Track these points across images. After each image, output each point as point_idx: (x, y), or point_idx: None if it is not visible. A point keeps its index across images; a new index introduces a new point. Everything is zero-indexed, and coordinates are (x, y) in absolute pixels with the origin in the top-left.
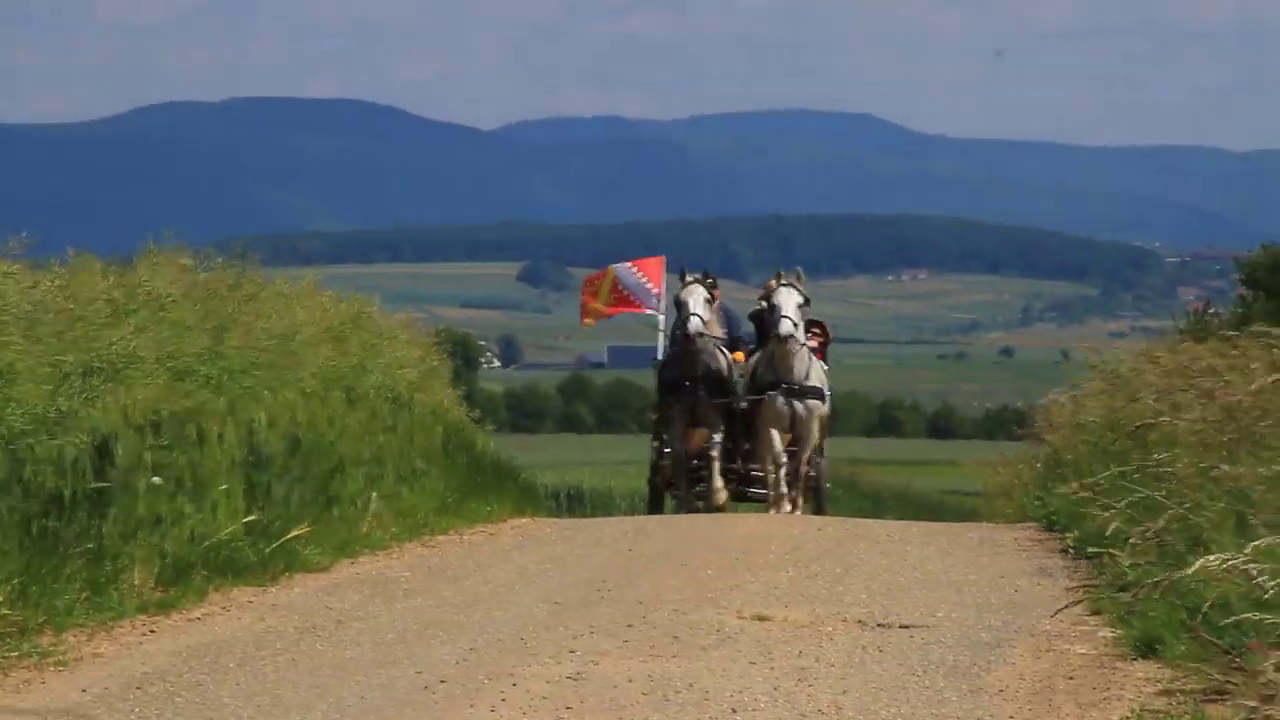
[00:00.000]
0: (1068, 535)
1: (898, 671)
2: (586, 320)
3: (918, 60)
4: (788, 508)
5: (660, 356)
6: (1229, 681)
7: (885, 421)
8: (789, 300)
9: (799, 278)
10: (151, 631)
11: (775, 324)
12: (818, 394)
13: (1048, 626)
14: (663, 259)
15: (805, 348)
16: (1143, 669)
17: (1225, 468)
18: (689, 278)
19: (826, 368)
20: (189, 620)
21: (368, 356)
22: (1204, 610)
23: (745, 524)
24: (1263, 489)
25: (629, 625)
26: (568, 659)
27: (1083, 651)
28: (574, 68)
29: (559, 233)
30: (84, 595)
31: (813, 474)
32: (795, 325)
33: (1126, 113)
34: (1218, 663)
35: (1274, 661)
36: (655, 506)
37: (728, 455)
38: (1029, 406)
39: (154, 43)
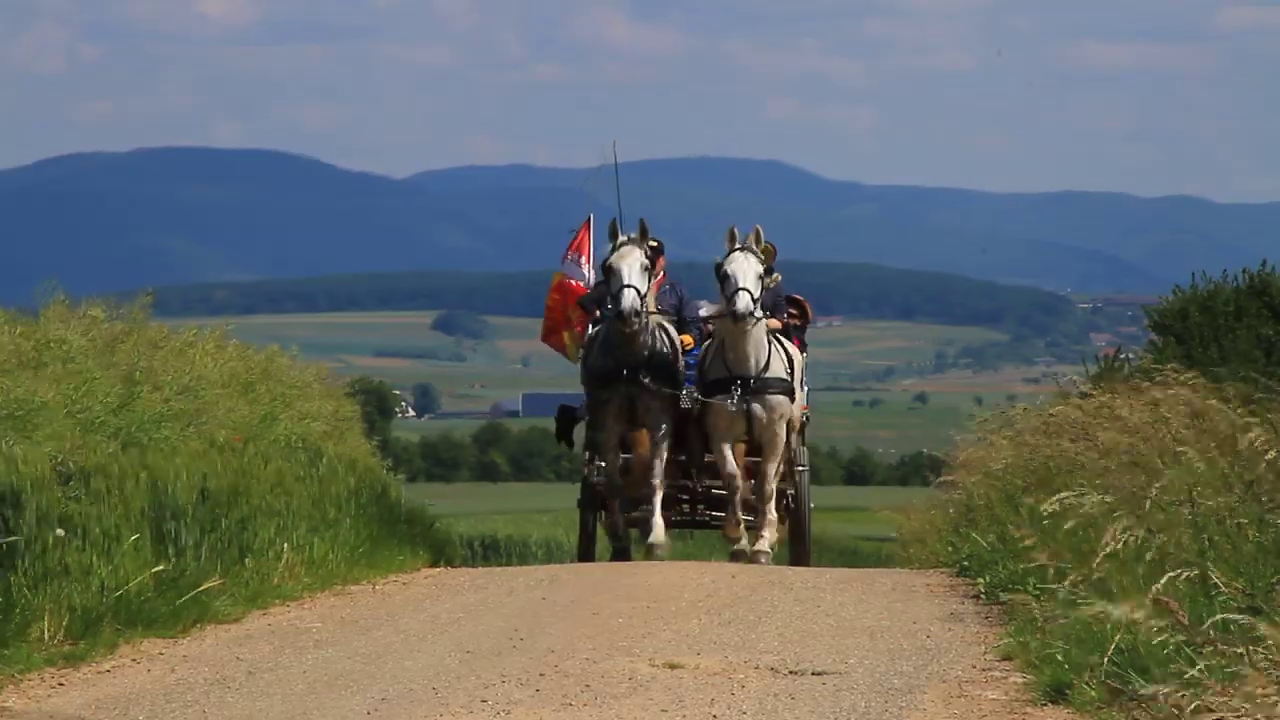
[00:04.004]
0: (980, 580)
1: (810, 719)
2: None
3: (823, 108)
4: (742, 540)
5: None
6: None
7: None
8: (747, 269)
9: (758, 239)
10: (60, 684)
11: (730, 299)
12: (781, 387)
13: (959, 672)
14: (589, 219)
15: (762, 323)
16: (1053, 714)
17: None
18: (621, 236)
19: (804, 354)
20: (98, 673)
21: (278, 406)
22: (1109, 657)
23: (658, 571)
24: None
25: (541, 674)
26: (480, 708)
27: (994, 697)
28: (482, 116)
29: (471, 281)
30: None
31: (790, 491)
32: (755, 300)
33: (1035, 159)
34: (1125, 708)
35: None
36: (587, 536)
37: (681, 470)
38: (943, 453)
39: (58, 94)
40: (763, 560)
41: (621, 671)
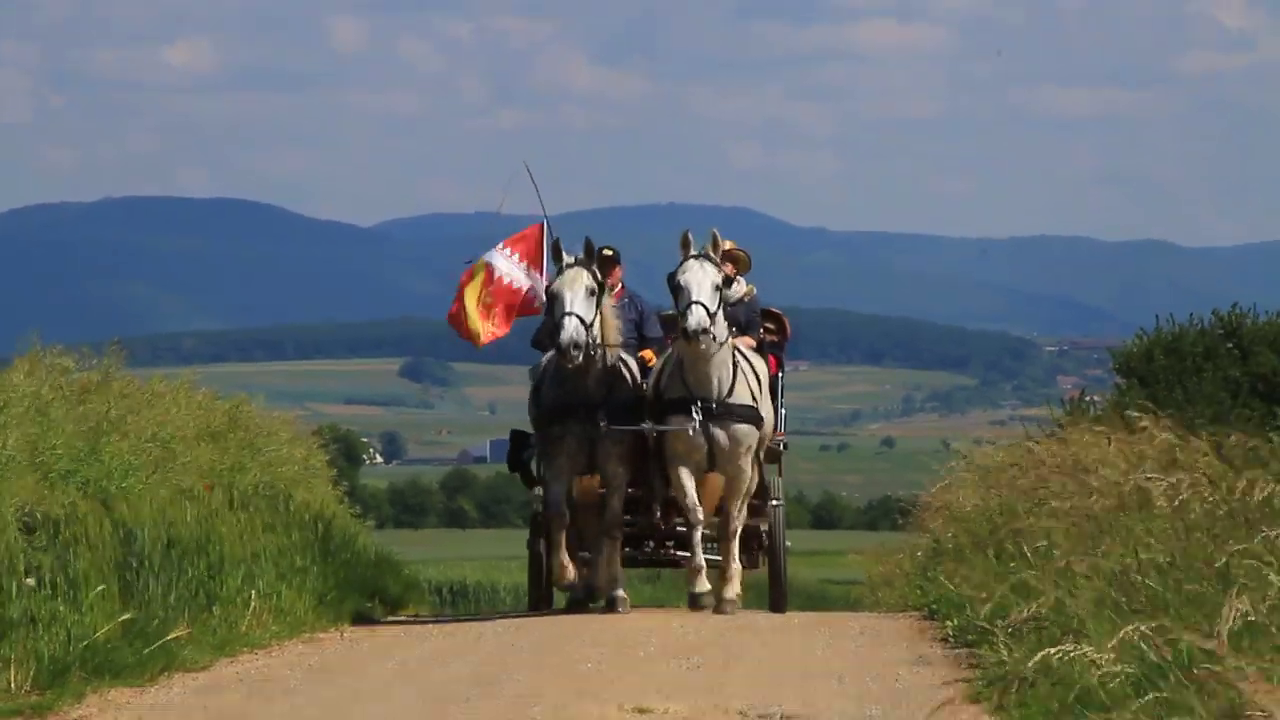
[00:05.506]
0: (948, 624)
1: None
2: (483, 339)
3: (789, 154)
4: (704, 587)
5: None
6: None
7: None
8: (702, 279)
9: (715, 245)
10: None
11: (683, 314)
12: (747, 414)
13: (927, 716)
14: (542, 224)
15: (727, 344)
16: None
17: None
18: (567, 258)
19: (783, 374)
20: None
21: (246, 455)
22: (1076, 698)
23: (626, 617)
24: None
25: None
26: None
27: None
28: (448, 164)
29: (438, 328)
30: None
31: (763, 527)
32: (711, 315)
33: (1001, 204)
34: None
35: None
36: (537, 579)
37: (644, 505)
38: (910, 496)
39: (24, 143)
40: (728, 610)
41: (590, 717)
